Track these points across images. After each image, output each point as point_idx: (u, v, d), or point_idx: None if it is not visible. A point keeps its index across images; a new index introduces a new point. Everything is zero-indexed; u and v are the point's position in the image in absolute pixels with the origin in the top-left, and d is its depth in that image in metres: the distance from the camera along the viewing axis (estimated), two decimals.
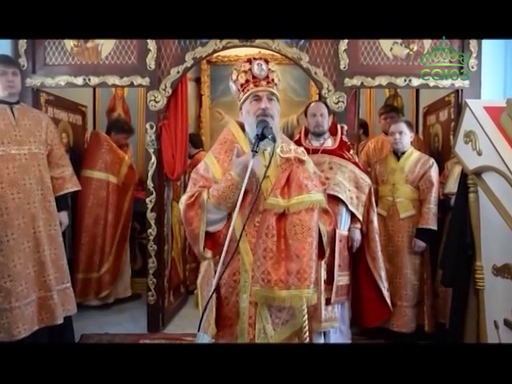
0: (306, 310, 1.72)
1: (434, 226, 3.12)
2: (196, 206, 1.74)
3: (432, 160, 3.26)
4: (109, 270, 4.05)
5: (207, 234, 1.76)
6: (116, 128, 4.31)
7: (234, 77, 1.83)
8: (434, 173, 3.20)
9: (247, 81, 1.79)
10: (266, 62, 1.81)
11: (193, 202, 1.75)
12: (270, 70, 1.79)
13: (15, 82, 2.80)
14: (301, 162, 1.83)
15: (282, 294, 1.63)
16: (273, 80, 1.80)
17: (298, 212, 1.68)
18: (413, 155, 3.29)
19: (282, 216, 1.70)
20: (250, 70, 1.78)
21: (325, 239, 1.83)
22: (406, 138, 3.25)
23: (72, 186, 3.07)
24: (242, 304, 1.74)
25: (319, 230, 1.79)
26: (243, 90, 1.81)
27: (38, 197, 2.81)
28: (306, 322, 1.73)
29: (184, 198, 1.80)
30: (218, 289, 1.75)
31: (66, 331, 3.00)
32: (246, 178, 1.61)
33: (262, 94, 1.78)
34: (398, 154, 3.31)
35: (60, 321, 2.82)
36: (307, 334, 1.72)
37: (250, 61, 1.80)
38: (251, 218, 1.69)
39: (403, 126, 3.25)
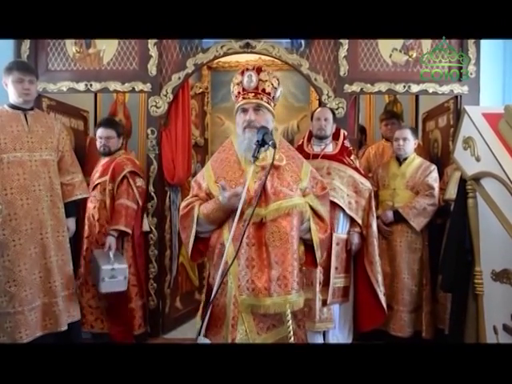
0: (289, 316, 1.72)
1: (410, 219, 3.15)
2: (188, 218, 1.84)
3: (433, 166, 3.29)
4: None
5: (199, 238, 1.85)
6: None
7: (232, 89, 1.90)
8: (433, 178, 3.23)
9: (239, 93, 1.85)
10: (259, 71, 1.82)
11: (186, 213, 1.85)
12: (260, 80, 1.81)
13: (31, 90, 2.79)
14: (276, 168, 1.81)
15: (266, 302, 1.68)
16: (263, 90, 1.82)
17: (275, 219, 1.73)
18: (415, 161, 3.32)
19: (261, 224, 1.74)
20: (241, 82, 1.83)
21: (316, 247, 1.83)
22: (410, 144, 3.30)
23: (81, 192, 3.05)
24: (228, 305, 1.77)
25: (311, 238, 1.83)
26: (236, 102, 1.88)
27: (47, 203, 2.81)
28: (291, 327, 1.72)
29: (182, 206, 1.90)
30: (210, 291, 1.80)
31: (73, 337, 2.96)
32: (244, 190, 1.66)
33: (248, 106, 1.82)
34: (400, 160, 3.34)
35: (64, 328, 2.80)
36: (292, 340, 1.71)
37: (242, 72, 1.85)
38: (238, 224, 1.69)
39: (408, 133, 3.30)
